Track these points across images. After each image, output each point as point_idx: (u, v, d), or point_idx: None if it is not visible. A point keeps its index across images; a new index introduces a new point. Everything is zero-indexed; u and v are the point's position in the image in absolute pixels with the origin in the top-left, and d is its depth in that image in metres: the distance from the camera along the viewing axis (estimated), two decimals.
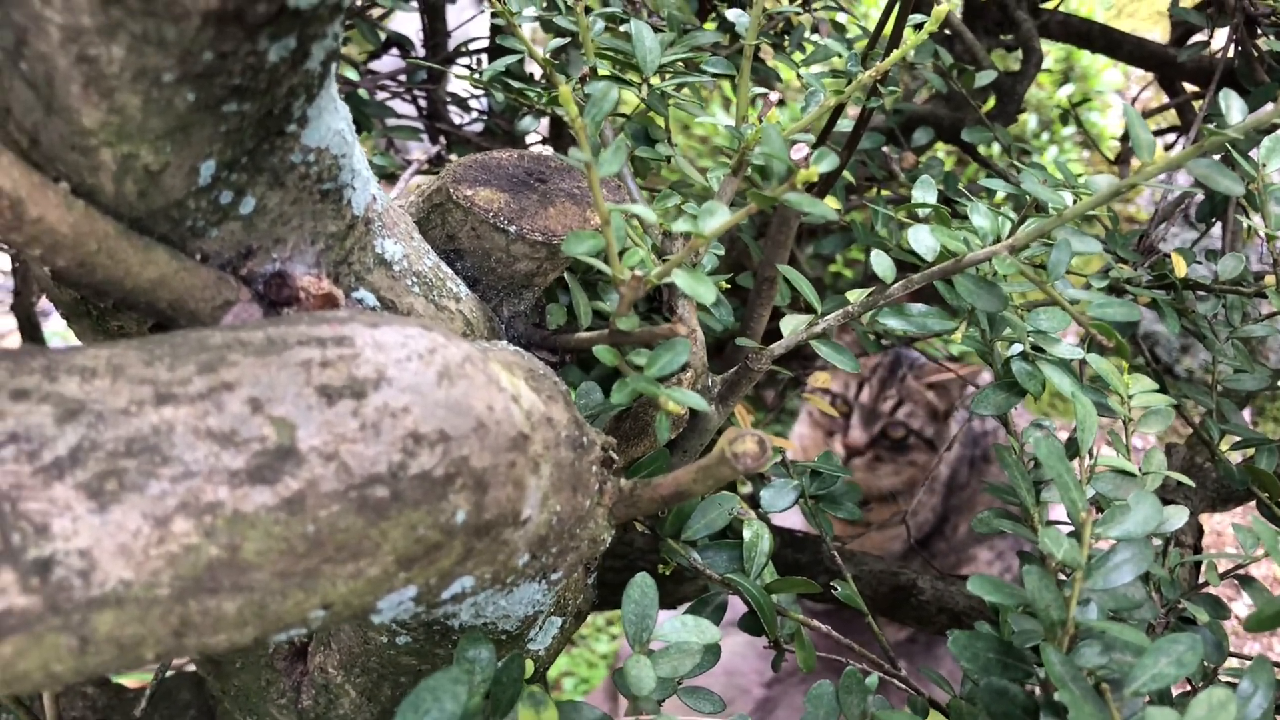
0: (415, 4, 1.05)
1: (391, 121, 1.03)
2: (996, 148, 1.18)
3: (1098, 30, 1.43)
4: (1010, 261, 0.63)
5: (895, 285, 0.67)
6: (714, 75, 0.70)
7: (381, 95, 1.10)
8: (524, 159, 0.64)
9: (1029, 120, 3.30)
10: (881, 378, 1.49)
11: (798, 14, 1.08)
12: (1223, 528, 2.78)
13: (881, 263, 0.68)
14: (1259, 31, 1.08)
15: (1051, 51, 3.49)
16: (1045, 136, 3.16)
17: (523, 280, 0.62)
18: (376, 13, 1.09)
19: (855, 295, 0.70)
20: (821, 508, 0.83)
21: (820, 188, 0.88)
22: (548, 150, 1.03)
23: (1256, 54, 1.12)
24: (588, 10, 0.70)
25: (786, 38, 1.05)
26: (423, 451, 0.40)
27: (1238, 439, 0.99)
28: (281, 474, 0.38)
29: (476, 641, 0.51)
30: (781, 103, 0.94)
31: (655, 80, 0.72)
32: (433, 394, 0.41)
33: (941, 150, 2.75)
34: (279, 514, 0.37)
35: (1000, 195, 0.78)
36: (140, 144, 0.39)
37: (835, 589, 0.79)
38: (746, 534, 0.74)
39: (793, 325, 0.71)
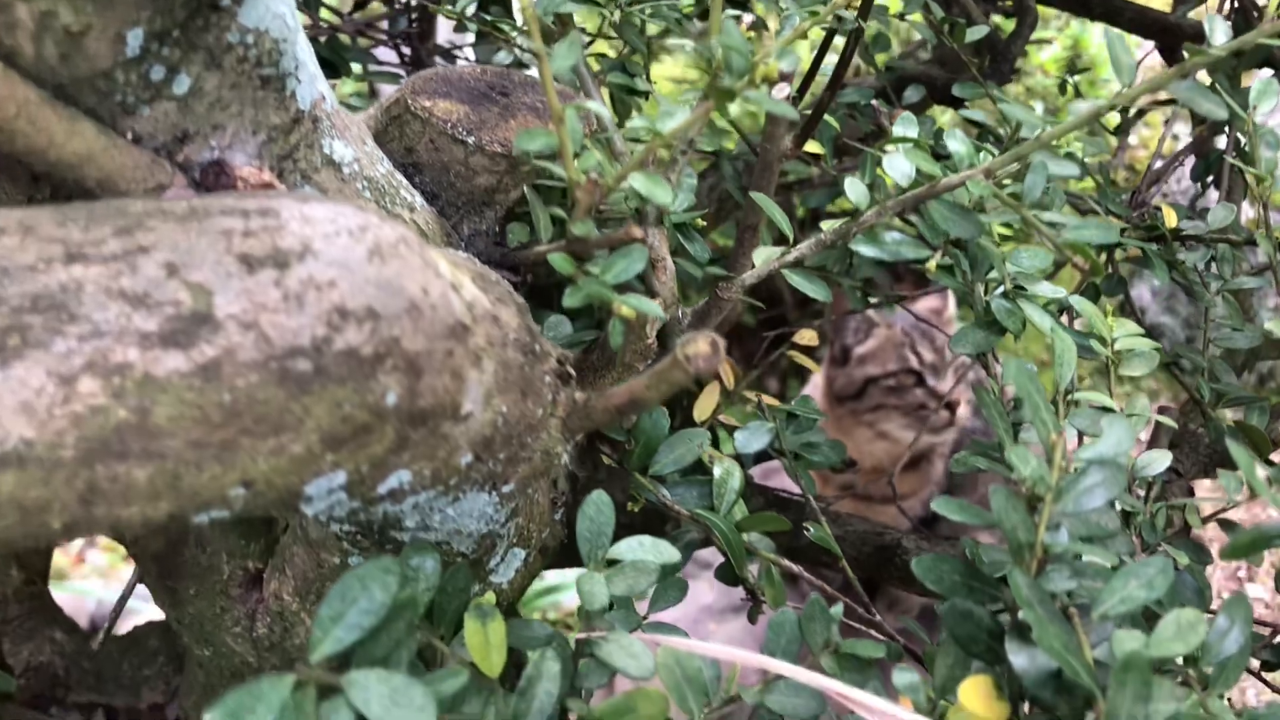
0: None
1: (373, 67, 1.01)
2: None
3: None
4: (985, 185, 0.61)
5: (869, 212, 0.66)
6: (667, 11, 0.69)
7: (366, 44, 1.09)
8: (486, 73, 0.63)
9: (1036, 108, 3.28)
10: (922, 331, 1.42)
11: None
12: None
13: (856, 189, 0.66)
14: None
15: (1058, 39, 3.47)
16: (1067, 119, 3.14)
17: (483, 196, 0.61)
18: None
19: (829, 224, 0.68)
20: (801, 466, 0.81)
21: (804, 129, 0.87)
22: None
23: (1256, 12, 1.09)
24: None
25: None
26: (349, 327, 0.39)
27: (1230, 398, 0.97)
28: (197, 340, 0.36)
29: (422, 550, 0.50)
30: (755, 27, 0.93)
31: (627, 11, 0.71)
32: (362, 270, 0.40)
33: (945, 118, 2.73)
34: (193, 380, 0.36)
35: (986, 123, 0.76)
36: (58, 1, 0.38)
37: (808, 530, 0.77)
38: (717, 471, 0.73)
39: (765, 255, 0.69)
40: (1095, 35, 3.22)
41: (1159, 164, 1.15)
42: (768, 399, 1.09)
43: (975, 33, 1.08)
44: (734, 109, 0.90)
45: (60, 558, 2.60)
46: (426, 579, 0.49)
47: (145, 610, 1.43)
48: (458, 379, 0.43)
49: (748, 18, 0.65)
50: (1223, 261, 0.90)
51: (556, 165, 0.52)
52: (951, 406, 1.35)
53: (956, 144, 0.65)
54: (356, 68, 1.04)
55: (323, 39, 0.99)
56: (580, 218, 0.53)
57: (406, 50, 1.08)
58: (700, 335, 0.47)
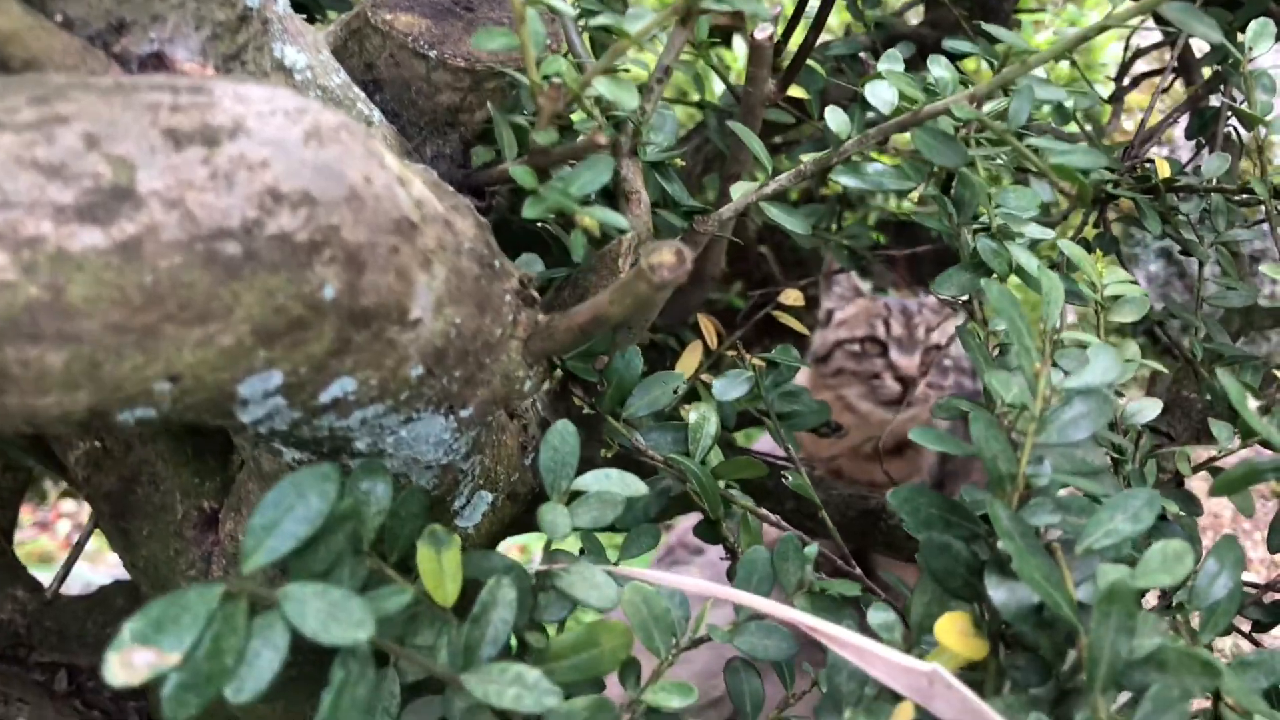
0: None
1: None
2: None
3: None
4: (969, 109, 0.59)
5: (850, 142, 0.63)
6: None
7: None
8: None
9: None
10: (902, 308, 1.41)
11: None
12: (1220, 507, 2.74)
13: (836, 118, 0.64)
14: None
15: (1055, 24, 3.45)
16: (1046, 109, 3.11)
17: (446, 116, 0.58)
18: None
19: (809, 155, 0.66)
20: (779, 403, 0.79)
21: (788, 71, 0.84)
22: None
23: None
24: None
25: None
26: (283, 211, 0.36)
27: (1224, 361, 0.95)
28: (116, 215, 0.34)
29: (373, 472, 0.47)
30: None
31: None
32: (298, 152, 0.37)
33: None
34: (111, 258, 0.33)
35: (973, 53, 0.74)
36: None
37: (786, 478, 0.75)
38: (692, 416, 0.70)
39: (744, 189, 0.67)
40: (1092, 18, 3.19)
41: (1153, 110, 1.12)
42: (750, 357, 1.07)
43: None
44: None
45: (49, 542, 2.58)
46: (377, 502, 0.47)
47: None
48: (404, 279, 0.41)
49: None
50: (1217, 214, 0.88)
51: (520, 73, 0.49)
52: (905, 381, 1.32)
53: (940, 70, 0.63)
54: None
55: None
56: (543, 126, 0.50)
57: None
58: (665, 244, 0.45)
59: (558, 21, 0.64)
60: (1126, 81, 1.50)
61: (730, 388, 0.77)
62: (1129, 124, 3.10)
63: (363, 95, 0.55)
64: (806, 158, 0.66)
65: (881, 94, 0.62)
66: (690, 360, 0.90)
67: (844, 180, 0.63)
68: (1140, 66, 1.43)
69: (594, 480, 0.53)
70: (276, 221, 0.36)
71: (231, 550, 0.63)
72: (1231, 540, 0.60)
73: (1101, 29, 0.59)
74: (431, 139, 0.59)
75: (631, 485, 0.53)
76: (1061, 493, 0.53)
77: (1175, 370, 1.10)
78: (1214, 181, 0.85)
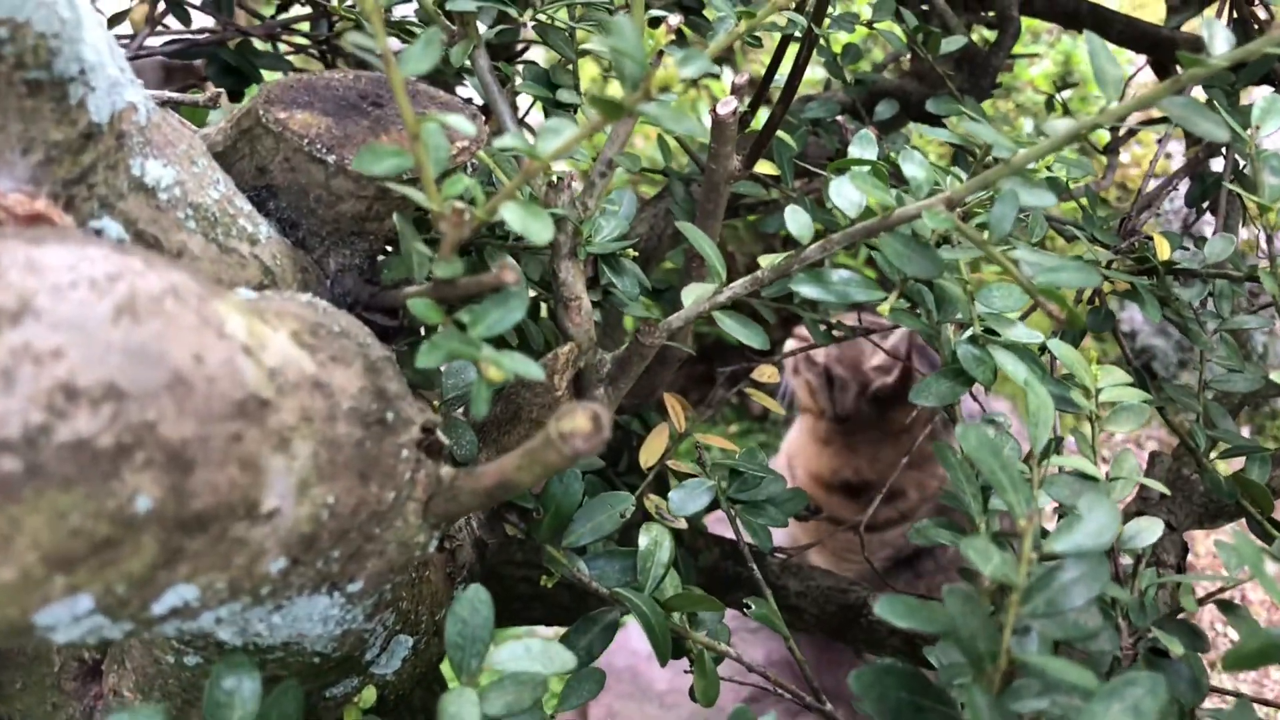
0: None
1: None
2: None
3: (1086, 9, 1.32)
4: (945, 216, 0.52)
5: (812, 247, 0.56)
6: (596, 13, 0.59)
7: (286, 50, 0.99)
8: (360, 80, 0.53)
9: (1025, 125, 3.20)
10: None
11: None
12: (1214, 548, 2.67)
13: (797, 220, 0.57)
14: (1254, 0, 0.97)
15: (1049, 55, 3.40)
16: (1043, 140, 3.06)
17: (351, 225, 0.51)
18: None
19: (768, 260, 0.59)
20: (747, 516, 0.71)
21: (754, 146, 0.77)
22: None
23: (1256, 24, 1.01)
24: None
25: None
26: (80, 411, 0.29)
27: (1227, 447, 0.88)
28: None
29: (237, 668, 0.40)
30: (680, 33, 0.84)
31: (544, 7, 0.61)
32: (104, 334, 0.30)
33: (930, 147, 2.64)
34: None
35: (951, 142, 0.67)
36: None
37: (749, 607, 0.67)
38: (643, 541, 0.63)
39: (696, 294, 0.60)
40: (1087, 50, 3.14)
41: (1151, 186, 1.06)
42: (718, 441, 1.00)
43: (951, 43, 0.99)
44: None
45: None
46: (242, 705, 0.40)
47: None
48: (251, 469, 0.34)
49: (674, 19, 0.56)
50: (1220, 298, 0.81)
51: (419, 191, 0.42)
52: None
53: (913, 168, 0.56)
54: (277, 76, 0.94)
55: (232, 43, 0.90)
56: (445, 255, 0.43)
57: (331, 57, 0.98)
58: (580, 409, 0.38)
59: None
60: (1123, 132, 1.44)
61: (689, 500, 0.70)
62: (1125, 156, 3.04)
63: (247, 208, 0.48)
64: (765, 261, 0.59)
65: (847, 195, 0.55)
66: (656, 445, 0.83)
67: (805, 290, 0.56)
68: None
69: (511, 657, 0.46)
70: (71, 425, 0.29)
71: (116, 705, 0.56)
72: (1247, 707, 0.53)
73: (1094, 126, 0.52)
74: (336, 250, 0.52)
75: (557, 660, 0.46)
76: None
77: (1175, 447, 1.03)
78: (1223, 266, 0.78)
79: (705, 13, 0.96)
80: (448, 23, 0.60)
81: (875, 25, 0.94)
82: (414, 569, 0.55)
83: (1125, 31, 1.33)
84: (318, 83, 0.52)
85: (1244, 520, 0.86)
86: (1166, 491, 0.64)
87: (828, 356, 1.46)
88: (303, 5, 0.96)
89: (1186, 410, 0.92)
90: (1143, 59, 1.47)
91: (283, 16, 1.00)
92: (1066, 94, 3.15)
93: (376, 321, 0.52)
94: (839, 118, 0.95)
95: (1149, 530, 0.64)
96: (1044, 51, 3.31)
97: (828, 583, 1.00)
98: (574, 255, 0.60)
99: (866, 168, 0.64)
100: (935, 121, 1.14)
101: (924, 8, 1.24)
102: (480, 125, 0.52)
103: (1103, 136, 2.95)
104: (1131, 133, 1.45)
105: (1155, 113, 1.74)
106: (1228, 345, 0.82)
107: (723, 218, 0.81)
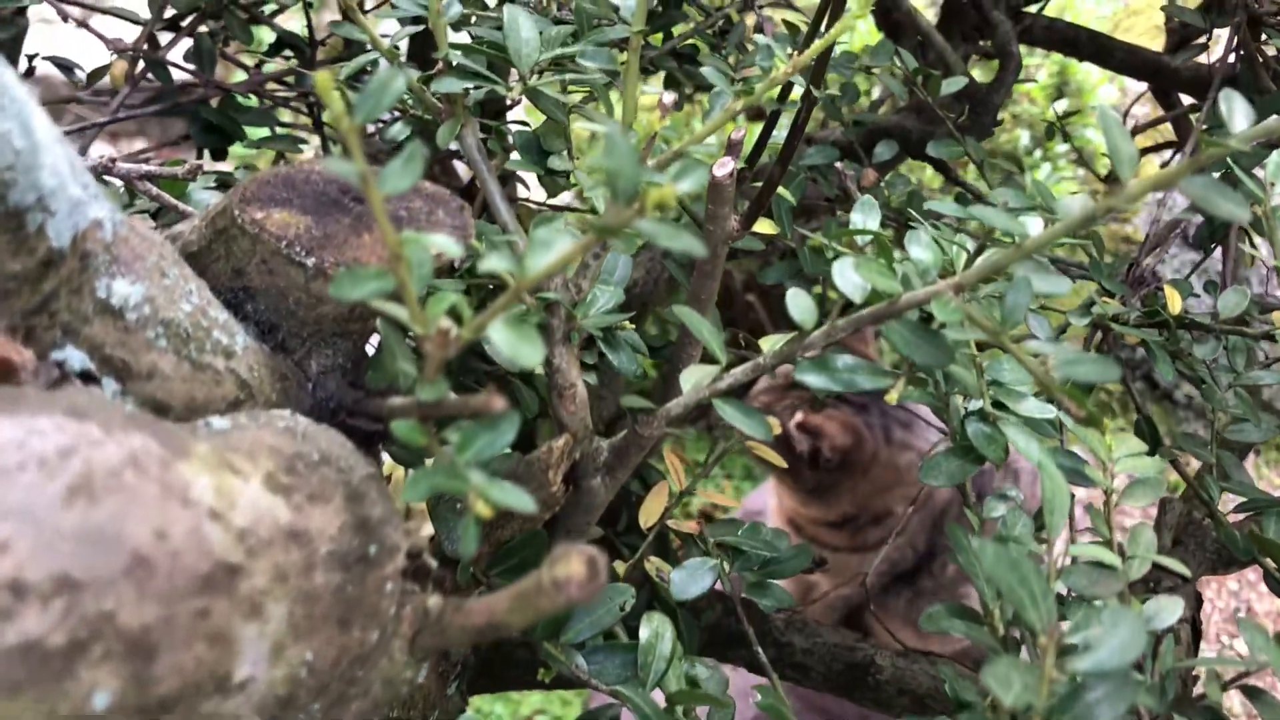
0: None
1: (274, 131, 0.90)
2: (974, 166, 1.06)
3: (1085, 37, 1.30)
4: (954, 307, 0.50)
5: (816, 333, 0.54)
6: (589, 76, 0.57)
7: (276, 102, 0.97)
8: None
9: (1021, 136, 3.18)
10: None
11: (738, 11, 0.95)
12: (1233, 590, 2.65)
13: (800, 304, 0.54)
14: (1263, 35, 0.95)
15: (1045, 65, 3.38)
16: (1039, 154, 3.04)
17: (333, 326, 0.49)
18: (268, 9, 0.96)
19: (769, 343, 0.57)
20: (747, 594, 0.69)
21: (752, 207, 0.75)
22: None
23: (1261, 59, 0.99)
24: None
25: (725, 38, 0.92)
26: (28, 610, 0.27)
27: (1242, 501, 0.85)
28: None
29: None
30: (680, 105, 0.82)
31: (532, 80, 0.59)
32: (54, 520, 0.28)
33: (926, 173, 2.62)
34: None
35: (957, 216, 0.65)
36: None
37: (756, 696, 0.65)
38: (644, 633, 0.61)
39: (695, 379, 0.57)
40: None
41: (1157, 222, 1.04)
42: (719, 498, 0.98)
43: (952, 85, 0.97)
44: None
45: None
46: None
47: None
48: (220, 644, 0.31)
49: (669, 96, 0.53)
50: (1234, 352, 0.79)
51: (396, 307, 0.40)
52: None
53: (920, 250, 0.54)
54: (263, 131, 0.92)
55: (214, 100, 0.87)
56: (430, 376, 0.41)
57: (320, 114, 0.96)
58: (575, 552, 0.35)
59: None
60: None
61: (690, 582, 0.67)
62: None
63: (223, 318, 0.45)
64: (766, 345, 0.56)
65: (849, 280, 0.53)
66: (655, 505, 0.81)
67: (810, 379, 0.53)
68: (1136, 108, 1.35)
69: None
70: (18, 626, 0.27)
71: None
72: None
73: (1109, 210, 0.50)
74: (318, 350, 0.50)
75: None
76: None
77: (1185, 491, 1.01)
78: (1238, 321, 0.76)
79: (702, 63, 0.94)
80: (435, 101, 0.58)
81: (874, 70, 0.92)
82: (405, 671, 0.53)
83: (1126, 60, 1.31)
84: (297, 176, 0.50)
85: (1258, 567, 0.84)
86: (1186, 573, 0.61)
87: (788, 425, 1.43)
88: (285, 60, 0.94)
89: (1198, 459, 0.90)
90: (1141, 88, 1.45)
91: (267, 68, 0.98)
92: (1062, 104, 3.13)
93: (361, 427, 0.49)
94: (838, 165, 0.93)
95: (1169, 610, 0.62)
96: (1039, 61, 3.29)
97: (834, 639, 0.98)
98: (567, 340, 0.57)
99: (871, 241, 0.62)
100: (940, 165, 1.12)
101: (919, 39, 1.22)
102: (468, 223, 0.50)
103: (1103, 161, 2.93)
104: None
105: (1159, 135, 1.71)
106: (1243, 401, 0.79)
107: (719, 277, 0.79)
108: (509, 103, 0.74)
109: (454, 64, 0.55)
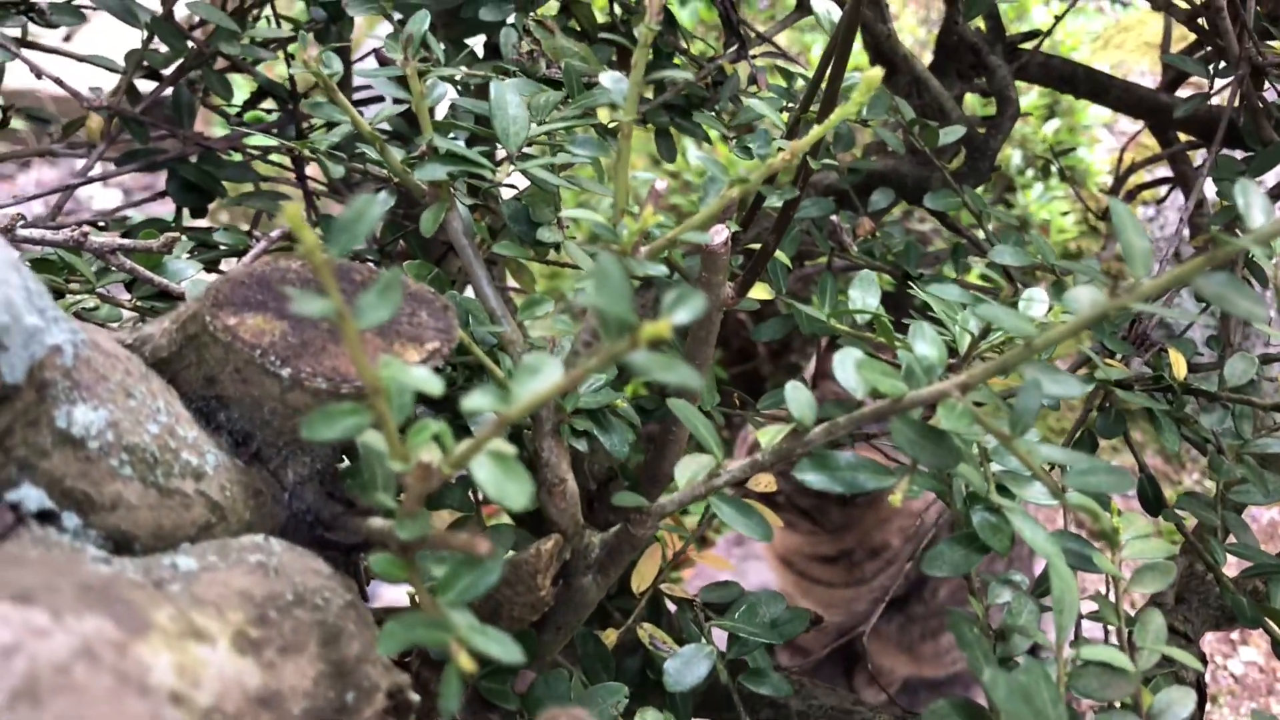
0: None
1: (250, 188, 0.87)
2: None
3: (1082, 74, 1.28)
4: (961, 410, 0.48)
5: (817, 430, 0.52)
6: (580, 157, 0.55)
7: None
8: None
9: (1013, 156, 3.17)
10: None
11: (731, 62, 0.93)
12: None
13: (799, 401, 0.52)
14: (1265, 84, 0.93)
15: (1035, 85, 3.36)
16: (1030, 173, 3.03)
17: None
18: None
19: (767, 436, 0.55)
20: (743, 682, 0.67)
21: (747, 275, 0.73)
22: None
23: (1263, 107, 0.97)
24: (424, 74, 0.54)
25: (718, 89, 0.90)
26: None
27: (1249, 566, 0.84)
28: None
29: None
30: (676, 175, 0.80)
31: (520, 162, 0.57)
32: None
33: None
34: None
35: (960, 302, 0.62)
36: None
37: None
38: None
39: (690, 473, 0.55)
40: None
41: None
42: (713, 561, 0.95)
43: (950, 134, 0.95)
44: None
45: None
46: None
47: None
48: None
49: (661, 183, 0.51)
50: (1240, 419, 0.77)
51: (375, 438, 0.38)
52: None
53: (925, 345, 0.51)
54: (246, 186, 0.90)
55: (192, 158, 0.85)
56: (411, 509, 0.39)
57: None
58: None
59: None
60: (1121, 196, 1.40)
61: (686, 671, 0.65)
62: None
63: (192, 436, 0.43)
64: (764, 437, 0.54)
65: (849, 378, 0.51)
66: (648, 570, 0.79)
67: (810, 479, 0.51)
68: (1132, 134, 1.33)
69: None
70: None
71: None
72: None
73: (1122, 306, 0.48)
74: (295, 459, 0.47)
75: None
76: None
77: (1184, 544, 0.99)
78: (1244, 389, 0.74)
79: (695, 115, 0.92)
80: (419, 185, 0.56)
81: (869, 122, 0.90)
82: None
83: (1123, 98, 1.29)
84: (272, 276, 0.47)
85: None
86: (1200, 667, 0.60)
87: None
88: (267, 113, 0.92)
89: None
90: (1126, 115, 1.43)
91: (249, 114, 0.95)
92: (1054, 125, 3.12)
93: (339, 541, 0.47)
94: (833, 218, 0.91)
95: (1181, 704, 0.60)
96: (1028, 86, 3.28)
97: (831, 701, 0.95)
98: (556, 433, 0.55)
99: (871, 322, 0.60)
100: (936, 211, 1.10)
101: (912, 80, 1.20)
102: (452, 324, 0.48)
103: (1097, 188, 2.92)
104: (1131, 196, 1.42)
105: (1159, 170, 1.69)
106: (1250, 469, 0.78)
107: (713, 344, 0.77)
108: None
109: (438, 149, 0.53)
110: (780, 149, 0.51)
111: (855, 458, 0.52)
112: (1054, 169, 1.35)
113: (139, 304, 0.68)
